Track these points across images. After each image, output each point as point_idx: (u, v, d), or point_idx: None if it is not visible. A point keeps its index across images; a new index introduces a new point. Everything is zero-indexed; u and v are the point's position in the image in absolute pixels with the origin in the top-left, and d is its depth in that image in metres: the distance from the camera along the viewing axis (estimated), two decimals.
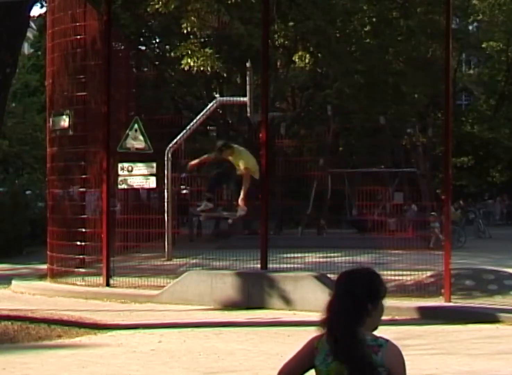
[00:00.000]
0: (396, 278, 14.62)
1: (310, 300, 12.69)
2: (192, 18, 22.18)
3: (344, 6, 30.20)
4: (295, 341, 10.35)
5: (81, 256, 15.96)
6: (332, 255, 18.82)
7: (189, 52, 22.85)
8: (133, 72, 23.00)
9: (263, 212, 14.17)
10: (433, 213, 24.12)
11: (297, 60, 28.56)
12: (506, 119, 43.57)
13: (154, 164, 15.72)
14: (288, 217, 30.96)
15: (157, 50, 32.65)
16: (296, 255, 19.32)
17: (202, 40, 26.03)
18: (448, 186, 14.00)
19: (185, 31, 22.70)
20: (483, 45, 42.15)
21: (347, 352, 3.33)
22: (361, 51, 32.06)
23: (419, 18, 31.71)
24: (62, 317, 11.94)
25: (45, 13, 22.46)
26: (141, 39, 30.84)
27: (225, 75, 27.72)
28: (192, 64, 22.58)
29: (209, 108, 20.06)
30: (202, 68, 22.77)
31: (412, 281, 14.58)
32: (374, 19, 32.02)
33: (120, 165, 15.55)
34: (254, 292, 13.11)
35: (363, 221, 26.41)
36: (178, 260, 17.44)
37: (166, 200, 18.18)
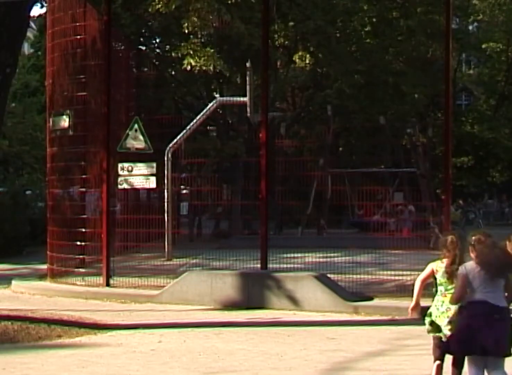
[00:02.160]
0: (396, 278, 14.62)
1: (310, 300, 12.69)
2: (193, 18, 22.16)
3: (344, 6, 30.21)
4: (295, 341, 10.39)
5: (81, 256, 15.95)
6: (332, 255, 18.81)
7: (191, 52, 22.83)
8: (133, 72, 22.98)
9: (263, 212, 14.16)
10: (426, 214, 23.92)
11: (297, 60, 28.56)
12: (506, 119, 43.57)
13: (154, 164, 15.71)
14: (288, 217, 30.94)
15: (157, 50, 32.63)
16: (296, 255, 19.28)
17: (203, 40, 26.00)
18: (448, 186, 14.00)
19: (185, 31, 22.70)
20: (483, 46, 42.15)
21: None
22: (361, 51, 32.09)
23: (419, 18, 31.73)
24: (62, 317, 11.93)
25: (45, 13, 22.45)
26: (141, 39, 30.80)
27: (227, 74, 27.70)
28: (193, 63, 22.57)
29: (209, 108, 20.08)
30: (204, 68, 22.75)
31: (412, 281, 14.50)
32: (374, 19, 32.03)
33: (120, 165, 15.53)
34: (254, 292, 13.11)
35: (365, 221, 26.38)
36: (178, 260, 17.42)
37: (166, 200, 18.19)
